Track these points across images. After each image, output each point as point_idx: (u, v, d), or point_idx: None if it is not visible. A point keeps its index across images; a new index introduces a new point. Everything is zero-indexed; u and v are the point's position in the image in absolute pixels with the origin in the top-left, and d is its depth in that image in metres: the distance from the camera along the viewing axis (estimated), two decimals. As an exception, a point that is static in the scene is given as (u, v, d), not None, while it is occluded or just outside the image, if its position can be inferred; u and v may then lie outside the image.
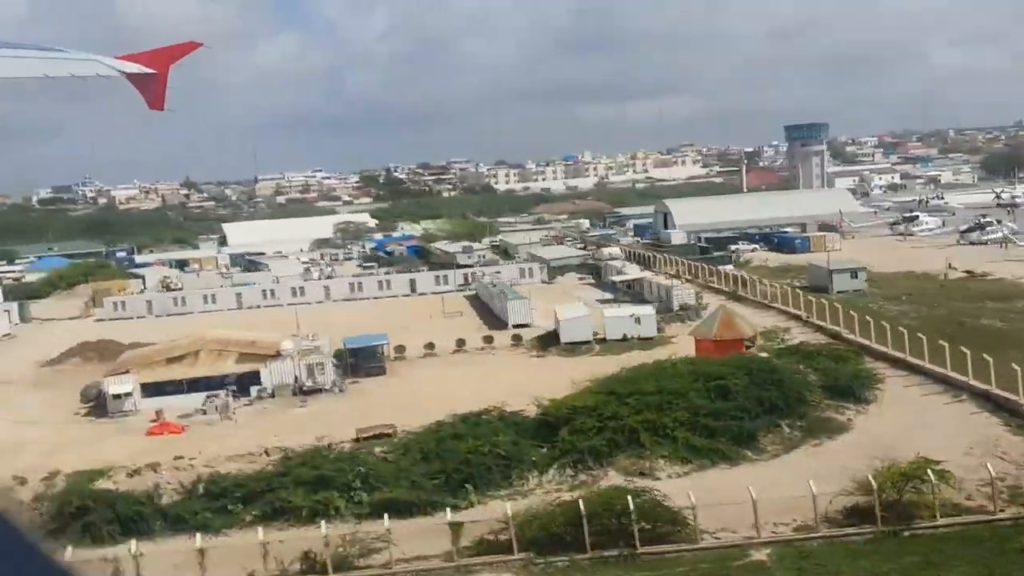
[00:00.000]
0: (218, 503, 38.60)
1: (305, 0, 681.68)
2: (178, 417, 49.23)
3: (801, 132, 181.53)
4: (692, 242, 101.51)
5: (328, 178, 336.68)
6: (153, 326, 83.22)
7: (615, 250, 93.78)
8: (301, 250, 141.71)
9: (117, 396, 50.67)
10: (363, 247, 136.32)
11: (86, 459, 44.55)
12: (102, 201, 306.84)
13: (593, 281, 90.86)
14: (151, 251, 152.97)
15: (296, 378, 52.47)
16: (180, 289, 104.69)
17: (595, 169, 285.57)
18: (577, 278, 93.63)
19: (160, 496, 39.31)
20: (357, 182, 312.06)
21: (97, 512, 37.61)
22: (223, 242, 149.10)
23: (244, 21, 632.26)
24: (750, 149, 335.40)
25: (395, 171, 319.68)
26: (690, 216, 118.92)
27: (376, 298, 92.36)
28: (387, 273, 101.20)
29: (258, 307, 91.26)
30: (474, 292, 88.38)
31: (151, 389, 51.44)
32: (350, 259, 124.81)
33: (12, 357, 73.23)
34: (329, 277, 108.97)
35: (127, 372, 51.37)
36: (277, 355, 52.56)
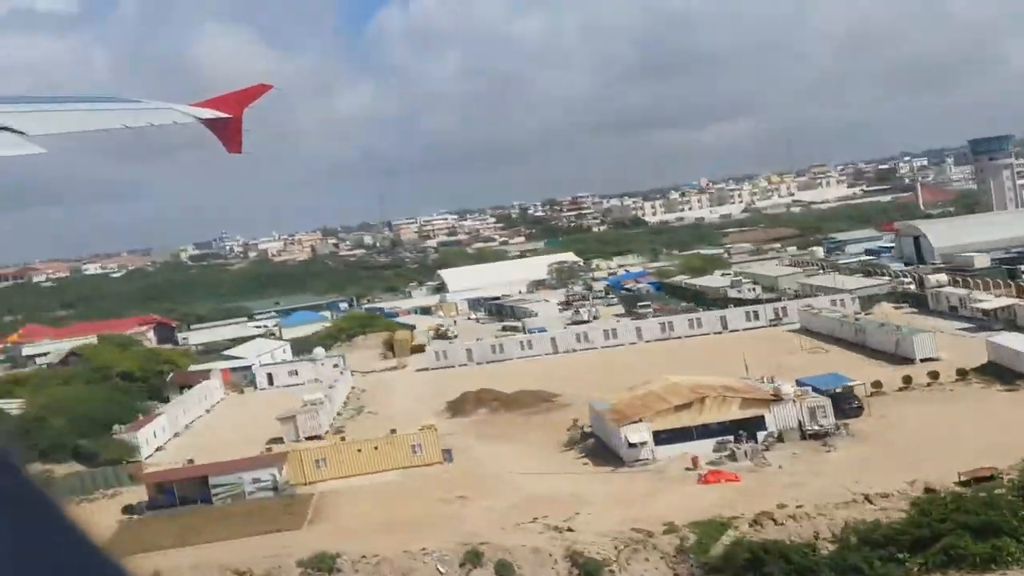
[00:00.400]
0: (881, 551, 38.74)
1: (380, 49, 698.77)
2: (707, 464, 49.84)
3: (988, 145, 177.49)
4: (993, 265, 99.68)
5: (463, 219, 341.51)
6: (480, 373, 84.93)
7: (941, 277, 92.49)
8: (520, 292, 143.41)
9: (634, 444, 51.42)
10: (587, 286, 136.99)
11: (660, 510, 45.22)
12: (252, 255, 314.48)
13: (916, 310, 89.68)
14: (368, 300, 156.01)
15: (800, 422, 52.64)
16: (455, 337, 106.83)
17: (739, 195, 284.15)
18: (891, 307, 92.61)
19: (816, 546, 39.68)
20: (496, 222, 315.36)
21: (772, 563, 38.07)
22: (441, 288, 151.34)
23: (322, 72, 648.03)
24: (885, 166, 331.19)
25: (530, 210, 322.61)
26: (948, 238, 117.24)
27: (688, 336, 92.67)
28: (682, 312, 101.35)
29: (573, 351, 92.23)
30: (798, 326, 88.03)
31: (661, 436, 52.15)
32: (598, 298, 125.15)
33: (401, 407, 74.88)
34: (595, 318, 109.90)
35: (639, 421, 52.08)
36: (778, 399, 52.85)
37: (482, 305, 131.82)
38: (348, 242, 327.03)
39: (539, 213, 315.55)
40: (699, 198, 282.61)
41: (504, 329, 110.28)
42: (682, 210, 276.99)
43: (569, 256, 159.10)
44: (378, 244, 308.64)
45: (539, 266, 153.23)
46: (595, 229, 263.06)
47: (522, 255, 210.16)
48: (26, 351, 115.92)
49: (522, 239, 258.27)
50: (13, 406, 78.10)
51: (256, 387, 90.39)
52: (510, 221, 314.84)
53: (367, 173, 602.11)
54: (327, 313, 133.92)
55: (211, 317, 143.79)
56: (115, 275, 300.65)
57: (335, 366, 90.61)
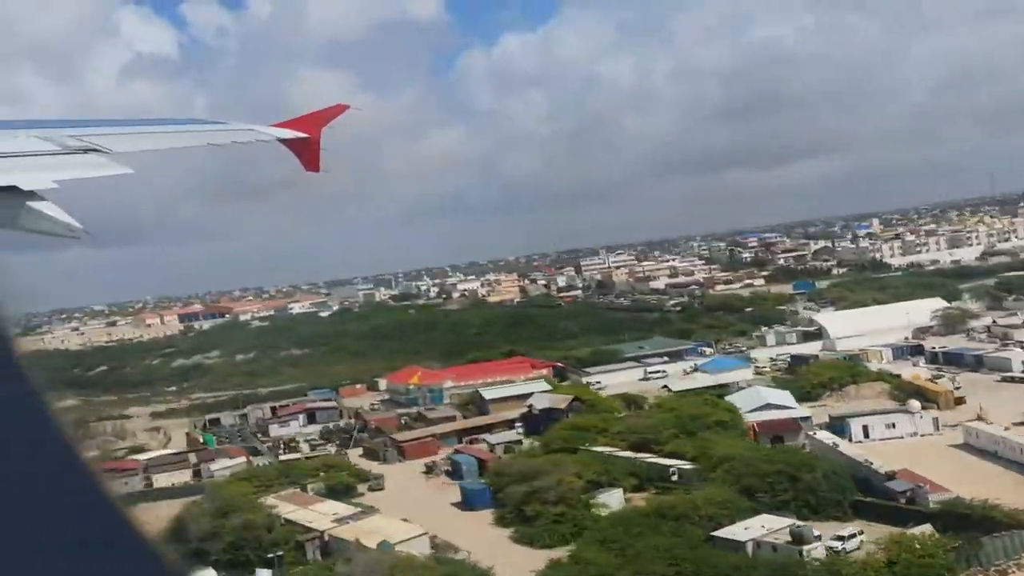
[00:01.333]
0: None
1: (469, 93, 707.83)
2: None
3: None
4: None
5: (644, 259, 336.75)
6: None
7: None
8: (906, 339, 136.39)
9: None
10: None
11: None
12: (455, 295, 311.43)
13: None
14: (725, 346, 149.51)
15: None
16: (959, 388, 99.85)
17: (976, 237, 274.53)
18: None
19: None
20: (704, 262, 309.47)
21: None
22: (819, 334, 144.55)
23: (412, 114, 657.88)
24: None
25: (738, 250, 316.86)
26: None
27: None
28: None
29: None
30: None
31: None
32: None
33: None
34: None
35: None
36: None
37: (909, 353, 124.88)
38: (540, 282, 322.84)
39: (747, 254, 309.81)
40: (936, 240, 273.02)
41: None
42: (918, 252, 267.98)
43: (939, 302, 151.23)
44: (583, 284, 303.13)
45: (923, 312, 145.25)
46: (834, 272, 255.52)
47: (793, 299, 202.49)
48: (489, 394, 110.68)
49: (760, 281, 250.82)
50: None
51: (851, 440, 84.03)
52: (722, 261, 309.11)
53: (447, 213, 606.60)
54: (740, 360, 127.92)
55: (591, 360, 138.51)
56: (323, 314, 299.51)
57: (934, 419, 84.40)
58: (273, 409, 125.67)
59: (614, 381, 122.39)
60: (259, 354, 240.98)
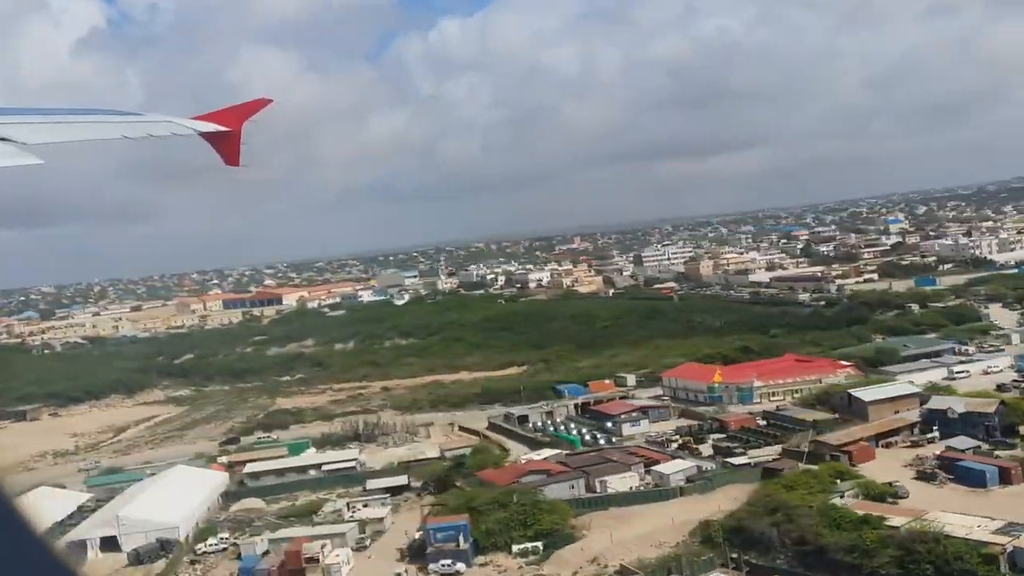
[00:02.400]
0: None
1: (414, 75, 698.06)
2: None
3: None
4: None
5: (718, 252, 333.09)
6: None
7: None
8: None
9: None
10: None
11: None
12: (517, 285, 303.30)
13: None
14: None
15: None
16: None
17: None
18: None
19: None
20: (781, 254, 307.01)
21: None
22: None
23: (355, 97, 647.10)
24: None
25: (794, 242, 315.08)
26: None
27: None
28: None
29: None
30: None
31: None
32: None
33: None
34: None
35: None
36: None
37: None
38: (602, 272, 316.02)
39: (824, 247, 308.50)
40: (988, 242, 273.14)
41: None
42: (1012, 248, 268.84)
43: None
44: (645, 276, 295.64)
45: None
46: (939, 267, 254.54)
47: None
48: (867, 396, 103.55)
49: (871, 276, 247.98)
50: None
51: None
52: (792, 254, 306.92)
53: (382, 199, 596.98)
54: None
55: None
56: (398, 302, 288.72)
57: None
58: (578, 407, 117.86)
59: (920, 380, 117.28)
60: (359, 344, 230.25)
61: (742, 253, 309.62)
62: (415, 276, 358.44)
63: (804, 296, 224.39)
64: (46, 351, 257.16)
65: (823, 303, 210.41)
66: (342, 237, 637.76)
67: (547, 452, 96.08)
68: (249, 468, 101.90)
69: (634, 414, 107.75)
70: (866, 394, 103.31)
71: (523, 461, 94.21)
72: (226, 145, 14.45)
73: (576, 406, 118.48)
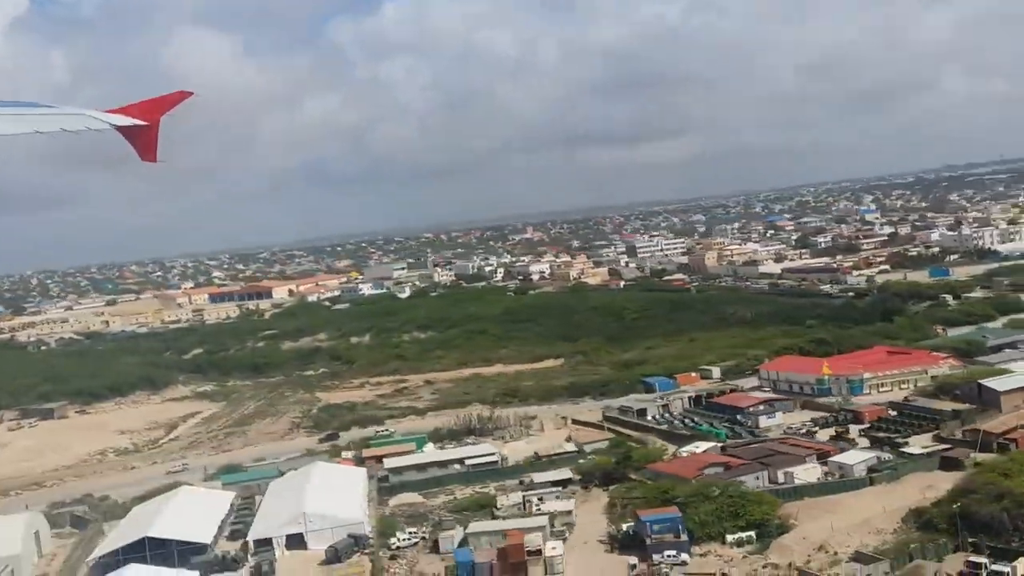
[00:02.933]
0: None
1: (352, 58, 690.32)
2: None
3: None
4: None
5: (699, 243, 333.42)
6: None
7: None
8: None
9: None
10: None
11: None
12: (519, 278, 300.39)
13: None
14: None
15: None
16: None
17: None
18: None
19: None
20: (781, 245, 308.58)
21: None
22: None
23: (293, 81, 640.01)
24: None
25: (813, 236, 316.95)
26: None
27: None
28: None
29: None
30: None
31: None
32: None
33: None
34: None
35: None
36: None
37: None
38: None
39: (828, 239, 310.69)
40: (991, 232, 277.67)
41: None
42: (1012, 239, 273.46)
43: None
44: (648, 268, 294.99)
45: None
46: (946, 258, 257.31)
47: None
48: (1002, 386, 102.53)
49: (884, 267, 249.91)
50: None
51: None
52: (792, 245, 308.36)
53: (319, 185, 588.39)
54: None
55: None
56: (401, 295, 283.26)
57: None
58: (691, 400, 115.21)
59: (1021, 369, 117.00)
60: (375, 337, 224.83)
61: (742, 244, 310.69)
62: (403, 269, 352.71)
63: (825, 287, 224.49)
64: (42, 347, 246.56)
65: (851, 294, 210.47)
66: (280, 225, 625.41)
67: (704, 445, 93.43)
68: (389, 463, 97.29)
69: (761, 407, 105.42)
70: (998, 384, 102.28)
71: (684, 454, 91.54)
72: (143, 139, 13.79)
73: (690, 399, 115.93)
